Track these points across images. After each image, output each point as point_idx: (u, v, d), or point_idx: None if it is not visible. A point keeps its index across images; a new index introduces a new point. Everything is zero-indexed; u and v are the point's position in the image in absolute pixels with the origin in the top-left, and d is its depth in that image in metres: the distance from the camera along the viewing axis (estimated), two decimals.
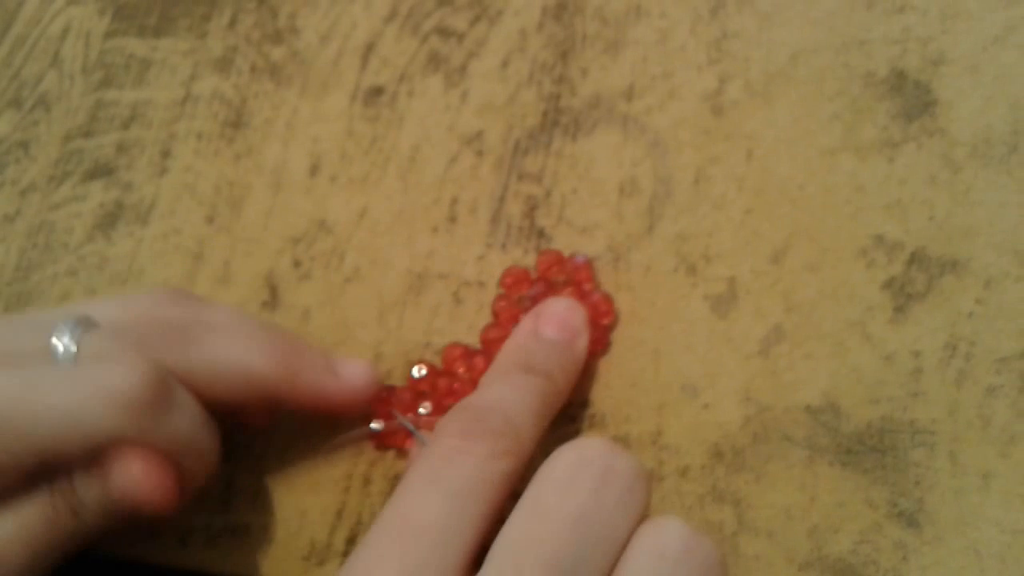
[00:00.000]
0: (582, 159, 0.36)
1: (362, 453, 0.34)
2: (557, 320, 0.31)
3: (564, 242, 0.35)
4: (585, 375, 0.32)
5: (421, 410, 0.33)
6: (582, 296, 0.33)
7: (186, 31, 0.43)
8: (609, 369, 0.33)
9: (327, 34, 0.41)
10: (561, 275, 0.34)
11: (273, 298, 0.37)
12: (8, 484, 0.28)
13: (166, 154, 0.41)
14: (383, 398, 0.33)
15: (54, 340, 0.29)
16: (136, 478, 0.28)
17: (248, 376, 0.31)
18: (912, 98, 0.33)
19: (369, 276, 0.36)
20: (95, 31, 0.45)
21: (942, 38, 0.34)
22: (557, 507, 0.24)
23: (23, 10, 0.46)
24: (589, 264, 0.34)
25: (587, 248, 0.34)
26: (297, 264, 0.37)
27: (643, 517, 0.25)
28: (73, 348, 0.29)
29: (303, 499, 0.34)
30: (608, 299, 0.33)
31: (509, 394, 0.28)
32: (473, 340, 0.34)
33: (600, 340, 0.33)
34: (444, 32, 0.40)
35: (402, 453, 0.33)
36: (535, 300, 0.33)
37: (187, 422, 0.29)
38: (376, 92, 0.39)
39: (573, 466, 0.25)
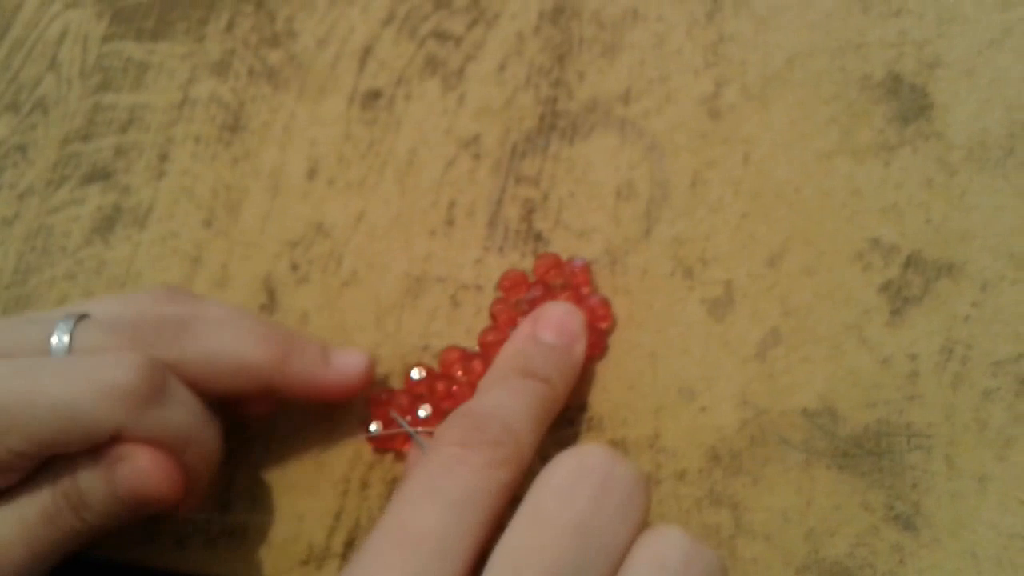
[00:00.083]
0: (579, 163, 0.36)
1: (360, 456, 0.34)
2: (555, 324, 0.31)
3: (561, 245, 0.35)
4: (583, 379, 0.32)
5: (420, 412, 0.33)
6: (580, 300, 0.33)
7: (183, 35, 0.43)
8: (607, 373, 0.33)
9: (324, 38, 0.41)
10: (559, 279, 0.34)
11: (271, 301, 0.37)
12: (8, 481, 0.28)
13: (164, 158, 0.41)
14: (381, 401, 0.33)
15: (52, 337, 0.29)
16: (143, 471, 0.28)
17: (241, 365, 0.31)
18: (908, 101, 0.33)
19: (367, 279, 0.36)
20: (93, 35, 0.45)
21: (938, 41, 0.34)
22: (557, 515, 0.24)
23: (21, 13, 0.46)
24: (587, 268, 0.34)
25: (584, 251, 0.35)
26: (295, 268, 0.37)
27: (643, 524, 0.25)
28: (66, 339, 0.29)
29: (301, 502, 0.34)
30: (606, 303, 0.33)
31: (508, 400, 0.28)
32: (471, 343, 0.34)
33: (598, 344, 0.33)
34: (441, 36, 0.40)
35: (400, 456, 0.33)
36: (533, 304, 0.33)
37: (184, 414, 0.29)
38: (373, 96, 0.40)
39: (573, 474, 0.25)
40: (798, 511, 0.29)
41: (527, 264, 0.35)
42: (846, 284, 0.32)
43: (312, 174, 0.39)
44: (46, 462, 0.29)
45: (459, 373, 0.33)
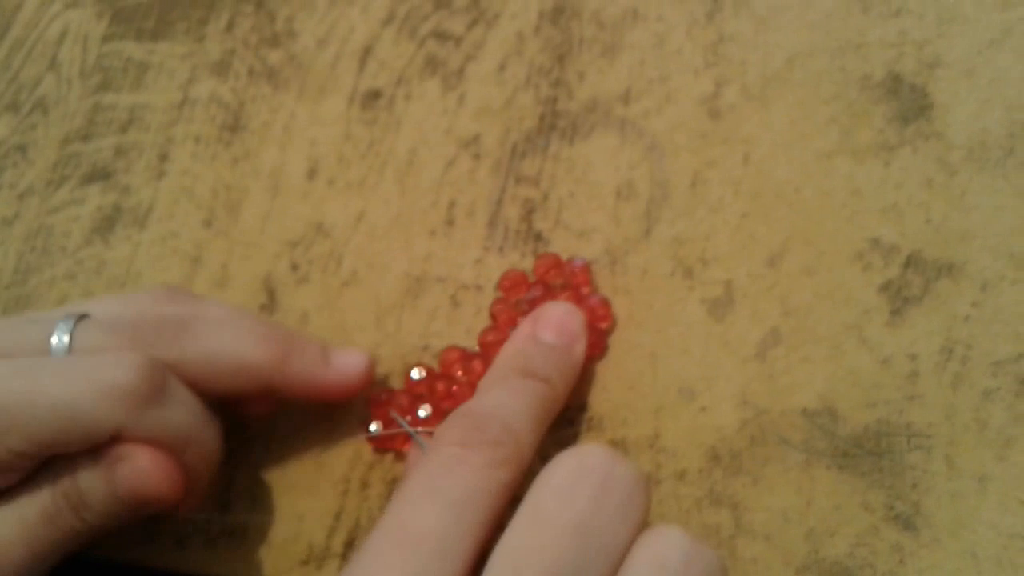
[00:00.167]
0: (579, 163, 0.36)
1: (360, 457, 0.34)
2: (555, 324, 0.31)
3: (561, 245, 0.35)
4: (583, 379, 0.32)
5: (420, 412, 0.33)
6: (580, 300, 0.33)
7: (184, 35, 0.43)
8: (607, 373, 0.33)
9: (324, 38, 0.41)
10: (559, 279, 0.34)
11: (271, 301, 0.37)
12: (8, 481, 0.28)
13: (164, 158, 0.41)
14: (381, 401, 0.34)
15: (52, 337, 0.29)
16: (143, 471, 0.28)
17: (241, 365, 0.31)
18: (908, 101, 0.33)
19: (367, 279, 0.36)
20: (93, 35, 0.45)
21: (938, 41, 0.34)
22: (557, 515, 0.24)
23: (21, 13, 0.46)
24: (587, 268, 0.34)
25: (584, 251, 0.35)
26: (295, 268, 0.37)
27: (643, 524, 0.24)
28: (66, 339, 0.29)
29: (301, 502, 0.34)
30: (606, 303, 0.33)
31: (508, 400, 0.28)
32: (471, 343, 0.34)
33: (598, 344, 0.33)
34: (441, 36, 0.40)
35: (400, 456, 0.33)
36: (533, 304, 0.33)
37: (184, 414, 0.29)
38: (373, 96, 0.40)
39: (573, 474, 0.25)
40: (798, 511, 0.29)
41: (527, 264, 0.35)
42: (846, 284, 0.32)
43: (312, 174, 0.39)
44: (46, 462, 0.29)
45: (459, 373, 0.33)
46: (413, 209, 0.37)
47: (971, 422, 0.29)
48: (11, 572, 0.28)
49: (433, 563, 0.23)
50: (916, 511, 0.29)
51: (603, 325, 0.33)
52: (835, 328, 0.31)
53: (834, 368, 0.31)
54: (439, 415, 0.33)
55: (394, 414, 0.33)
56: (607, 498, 0.24)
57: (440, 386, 0.33)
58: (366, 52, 0.40)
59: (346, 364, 0.33)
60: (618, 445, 0.32)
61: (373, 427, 0.33)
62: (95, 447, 0.28)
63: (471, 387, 0.32)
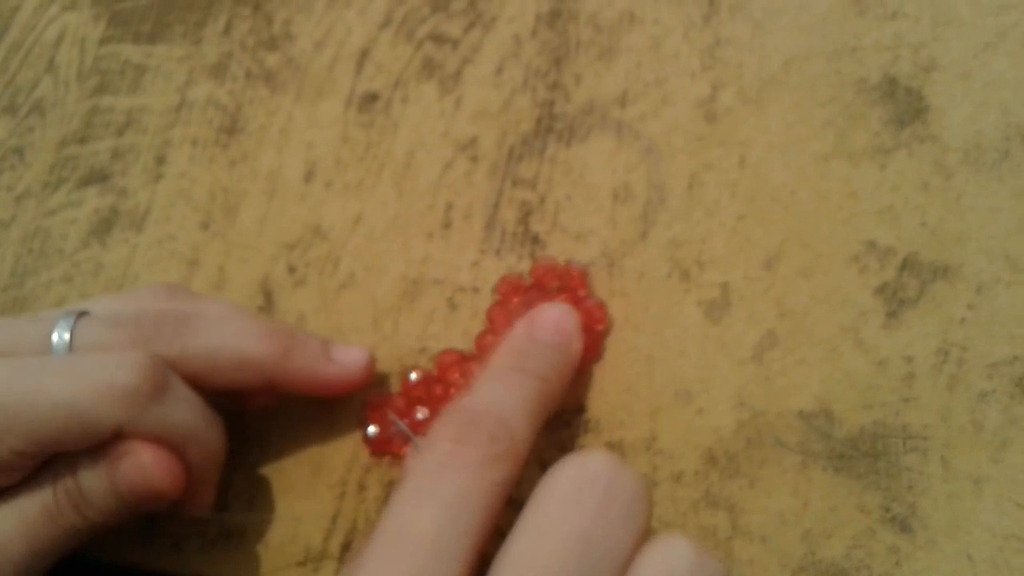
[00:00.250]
0: (576, 165, 0.36)
1: (357, 459, 0.34)
2: (551, 324, 0.31)
3: (558, 248, 0.35)
4: (579, 381, 0.32)
5: (418, 415, 0.33)
6: (576, 303, 0.33)
7: (181, 37, 0.43)
8: (603, 374, 0.33)
9: (322, 40, 0.41)
10: (556, 282, 0.34)
11: (268, 304, 0.37)
12: (10, 480, 0.28)
13: (161, 160, 0.41)
14: (378, 404, 0.34)
15: (52, 334, 0.30)
16: (144, 467, 0.28)
17: (243, 360, 0.31)
18: (904, 104, 0.33)
19: (364, 282, 0.37)
20: (90, 37, 0.45)
21: (934, 45, 0.34)
22: (561, 523, 0.24)
23: (18, 16, 0.46)
24: (584, 271, 0.34)
25: (581, 254, 0.35)
26: (292, 270, 0.37)
27: (646, 531, 0.24)
28: (66, 336, 0.29)
29: (298, 504, 0.34)
30: (602, 306, 0.33)
31: (503, 395, 0.28)
32: (468, 346, 0.34)
33: (594, 347, 0.33)
34: (438, 38, 0.40)
35: (397, 459, 0.33)
36: (529, 307, 0.33)
37: (186, 411, 0.29)
38: (371, 98, 0.40)
39: (576, 481, 0.24)
40: (794, 513, 0.30)
41: (524, 266, 0.35)
42: (842, 286, 0.32)
43: (309, 176, 0.39)
44: (47, 460, 0.29)
45: (456, 376, 0.33)
46: (410, 212, 0.37)
47: (967, 424, 0.29)
48: (11, 570, 0.28)
49: (430, 565, 0.23)
50: (912, 513, 0.29)
51: (599, 327, 0.33)
52: (831, 330, 0.31)
53: (830, 370, 0.31)
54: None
55: (392, 416, 0.33)
56: (611, 506, 0.24)
57: (437, 389, 0.33)
58: (363, 55, 0.40)
59: (347, 359, 0.33)
60: (615, 447, 0.32)
61: (371, 430, 0.33)
62: (97, 445, 0.28)
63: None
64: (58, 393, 0.27)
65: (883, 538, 0.29)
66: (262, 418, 0.35)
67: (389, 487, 0.33)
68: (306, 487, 0.34)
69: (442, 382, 0.33)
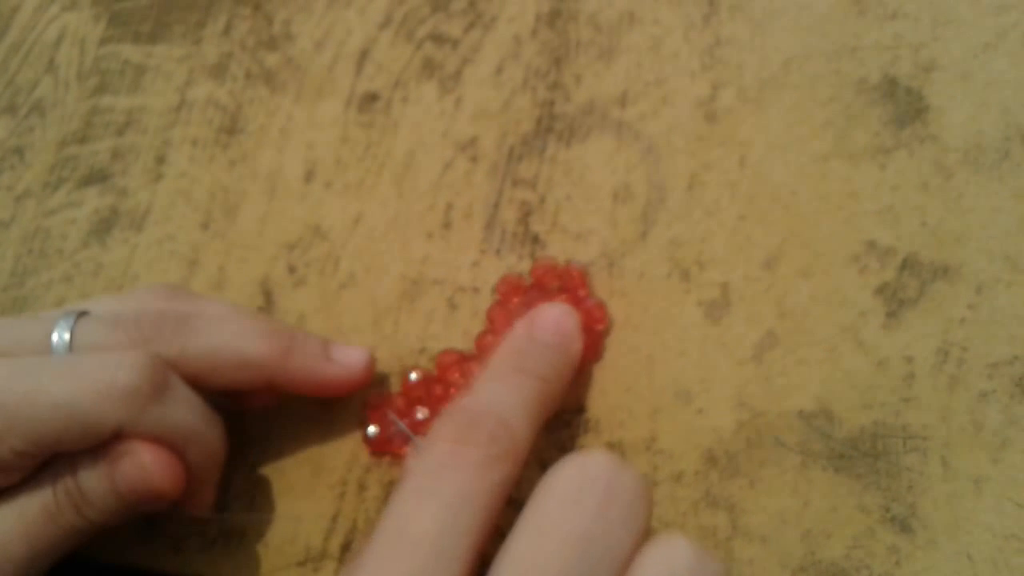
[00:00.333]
0: (576, 165, 0.36)
1: (357, 459, 0.34)
2: (551, 324, 0.31)
3: (558, 248, 0.35)
4: (580, 381, 0.32)
5: (419, 415, 0.33)
6: (576, 303, 0.33)
7: (181, 37, 0.43)
8: (603, 375, 0.33)
9: (322, 40, 0.41)
10: (555, 282, 0.34)
11: (268, 304, 0.37)
12: (10, 480, 0.28)
13: (161, 160, 0.41)
14: (378, 404, 0.34)
15: (53, 334, 0.30)
16: (144, 466, 0.28)
17: (243, 360, 0.31)
18: (904, 104, 0.33)
19: (364, 282, 0.37)
20: (90, 37, 0.45)
21: (934, 45, 0.34)
22: (561, 524, 0.24)
23: (18, 16, 0.46)
24: (584, 271, 0.34)
25: (581, 254, 0.35)
26: (292, 270, 0.37)
27: (646, 531, 0.24)
28: (66, 336, 0.29)
29: (298, 504, 0.34)
30: (601, 306, 0.33)
31: (503, 395, 0.28)
32: (468, 346, 0.34)
33: (594, 347, 0.33)
34: (438, 38, 0.40)
35: (397, 459, 0.33)
36: (529, 307, 0.33)
37: (186, 411, 0.29)
38: (371, 98, 0.40)
39: (576, 481, 0.24)
40: (794, 513, 0.30)
41: (524, 267, 0.35)
42: (842, 286, 0.32)
43: (309, 176, 0.39)
44: (47, 460, 0.29)
45: (456, 376, 0.33)
46: (410, 212, 0.37)
47: (967, 424, 0.29)
48: (11, 570, 0.28)
49: (431, 564, 0.23)
50: (912, 513, 0.29)
51: (599, 327, 0.33)
52: (831, 330, 0.31)
53: (830, 370, 0.31)
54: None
55: (392, 416, 0.33)
56: (611, 506, 0.24)
57: (437, 389, 0.33)
58: (363, 55, 0.40)
59: (347, 359, 0.33)
60: (615, 447, 0.32)
61: (371, 430, 0.33)
62: (97, 445, 0.28)
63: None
64: (58, 393, 0.27)
65: (883, 538, 0.29)
66: (262, 418, 0.35)
67: (389, 487, 0.33)
68: (306, 487, 0.34)
69: (442, 382, 0.33)
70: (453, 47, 0.40)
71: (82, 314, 0.30)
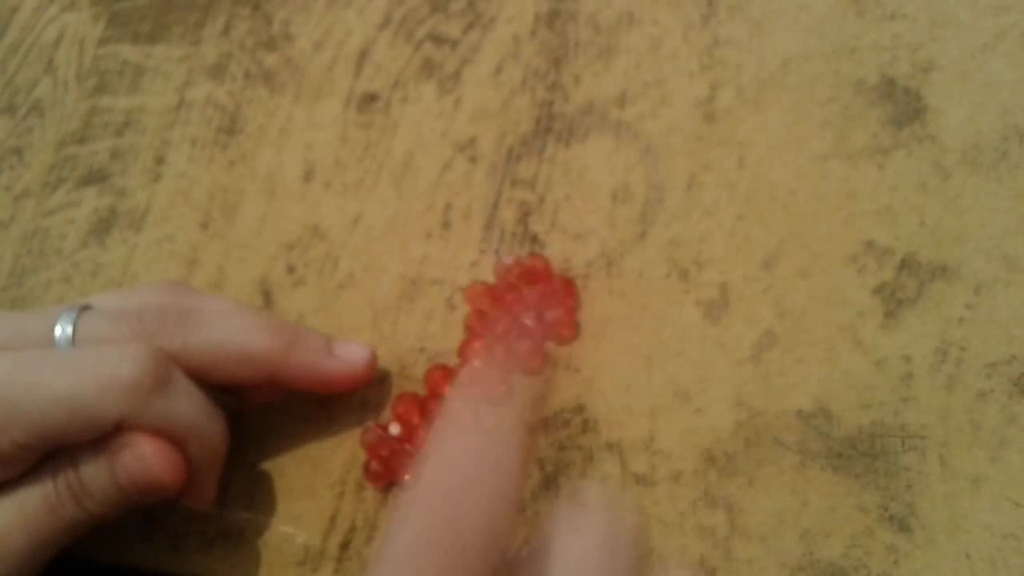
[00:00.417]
0: (575, 165, 0.36)
1: (356, 459, 0.34)
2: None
3: (557, 248, 0.35)
4: (579, 381, 0.33)
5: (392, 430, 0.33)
6: (546, 287, 0.33)
7: (180, 38, 0.43)
8: (602, 375, 0.33)
9: (321, 41, 0.41)
10: (521, 279, 0.34)
11: (267, 304, 0.37)
12: (12, 472, 0.28)
13: (160, 160, 0.41)
14: (373, 441, 0.33)
15: (55, 327, 0.30)
16: (145, 458, 0.28)
17: (245, 355, 0.31)
18: (902, 105, 0.33)
19: (363, 282, 0.37)
20: (89, 38, 0.45)
21: (932, 45, 0.34)
22: None
23: (17, 17, 0.46)
24: (543, 259, 0.34)
25: (580, 254, 0.35)
26: (291, 270, 0.37)
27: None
28: (69, 330, 0.30)
29: (297, 504, 0.34)
30: (570, 281, 0.33)
31: None
32: None
33: (569, 324, 0.33)
34: (438, 39, 0.40)
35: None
36: (505, 310, 0.33)
37: (187, 405, 0.29)
38: (370, 99, 0.40)
39: (583, 553, 0.23)
40: (793, 512, 0.30)
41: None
42: (840, 286, 0.32)
43: (308, 176, 0.39)
44: (49, 452, 0.29)
45: (447, 390, 0.33)
46: (409, 212, 0.37)
47: (965, 423, 0.29)
48: (12, 561, 0.28)
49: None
50: (910, 512, 0.29)
51: (570, 302, 0.33)
52: (829, 330, 0.31)
53: (829, 370, 0.31)
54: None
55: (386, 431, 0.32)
56: (616, 566, 0.24)
57: (432, 406, 0.33)
58: (362, 55, 0.40)
59: (349, 355, 0.33)
60: (614, 447, 0.32)
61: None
62: (98, 437, 0.28)
63: None
64: (61, 386, 0.28)
65: (881, 537, 0.29)
66: (261, 417, 0.35)
67: (387, 488, 0.33)
68: (305, 487, 0.34)
69: (434, 397, 0.33)
70: (452, 47, 0.40)
71: (85, 308, 0.31)
